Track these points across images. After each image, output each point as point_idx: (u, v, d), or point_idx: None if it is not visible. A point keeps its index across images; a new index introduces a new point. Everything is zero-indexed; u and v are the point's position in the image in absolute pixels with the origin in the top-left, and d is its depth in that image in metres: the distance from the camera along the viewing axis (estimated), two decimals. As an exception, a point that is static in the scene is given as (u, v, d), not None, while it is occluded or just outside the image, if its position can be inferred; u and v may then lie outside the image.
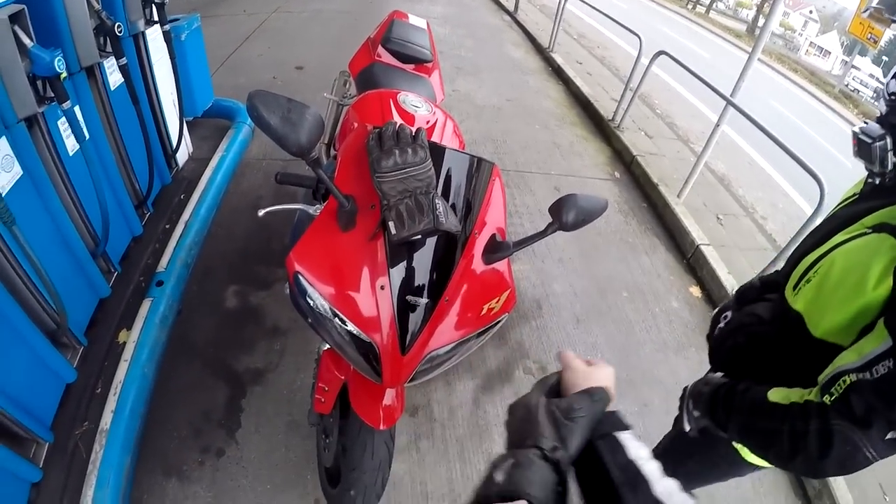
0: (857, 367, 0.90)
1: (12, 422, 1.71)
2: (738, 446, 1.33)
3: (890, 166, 1.04)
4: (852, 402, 0.89)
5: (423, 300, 1.33)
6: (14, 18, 1.66)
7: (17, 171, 1.77)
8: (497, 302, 1.45)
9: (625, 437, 0.63)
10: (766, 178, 6.65)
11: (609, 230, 3.96)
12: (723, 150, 6.24)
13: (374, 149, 1.29)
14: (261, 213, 1.51)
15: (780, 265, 1.51)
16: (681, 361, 2.97)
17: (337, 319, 1.33)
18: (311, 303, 1.35)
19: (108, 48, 2.37)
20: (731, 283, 3.42)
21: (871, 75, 35.82)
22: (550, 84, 6.76)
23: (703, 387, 1.25)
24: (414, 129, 1.32)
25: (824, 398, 0.93)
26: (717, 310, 1.56)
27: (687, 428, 1.31)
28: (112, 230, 2.37)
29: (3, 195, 1.66)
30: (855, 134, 1.08)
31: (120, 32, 2.31)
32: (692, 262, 3.80)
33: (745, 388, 1.11)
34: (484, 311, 1.43)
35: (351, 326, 1.32)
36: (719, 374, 1.28)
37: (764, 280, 1.46)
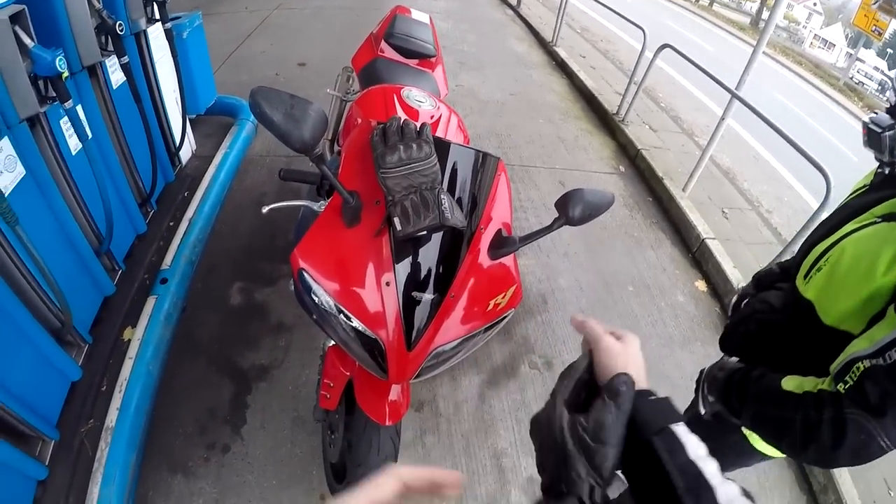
0: (870, 354, 0.89)
1: (18, 420, 1.72)
2: (748, 434, 1.34)
3: None
4: (867, 388, 0.88)
5: (429, 296, 1.32)
6: (15, 19, 1.66)
7: (20, 170, 1.77)
8: (503, 297, 1.44)
9: (682, 433, 0.54)
10: (771, 172, 6.63)
11: (614, 224, 3.95)
12: (728, 144, 6.22)
13: (378, 144, 1.28)
14: (265, 209, 1.51)
15: (786, 258, 1.52)
16: (686, 356, 2.96)
17: (342, 316, 1.33)
18: (316, 299, 1.35)
19: (110, 47, 2.37)
20: (737, 277, 3.40)
21: (876, 68, 35.58)
22: (554, 78, 6.73)
23: (717, 372, 1.25)
24: (418, 125, 1.31)
25: (838, 386, 0.93)
26: (737, 296, 1.57)
27: (702, 411, 1.31)
28: (116, 228, 2.37)
29: (7, 195, 1.66)
30: (865, 124, 1.10)
31: (121, 31, 2.31)
32: (697, 256, 3.79)
33: (760, 375, 1.11)
34: (490, 307, 1.42)
35: (356, 323, 1.32)
36: (734, 359, 1.29)
37: (782, 266, 1.46)
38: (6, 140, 1.69)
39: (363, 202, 1.36)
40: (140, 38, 2.75)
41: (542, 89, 6.26)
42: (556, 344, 2.81)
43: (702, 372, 1.36)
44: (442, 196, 1.26)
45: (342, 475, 1.73)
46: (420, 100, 2.03)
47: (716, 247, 3.68)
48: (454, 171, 1.43)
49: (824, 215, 1.34)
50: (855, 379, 0.90)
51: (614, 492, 0.55)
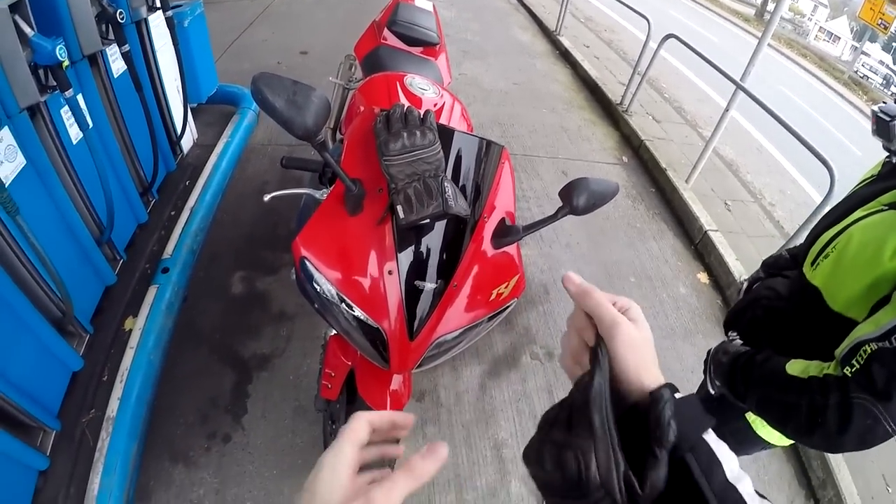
0: (876, 337, 0.91)
1: (19, 410, 1.72)
2: (752, 421, 1.36)
3: None
4: (874, 371, 0.89)
5: (432, 285, 1.31)
6: (14, 8, 1.65)
7: (21, 160, 1.76)
8: (506, 287, 1.43)
9: (716, 445, 0.46)
10: (774, 165, 6.59)
11: (617, 215, 3.94)
12: (731, 136, 6.19)
13: (381, 131, 1.27)
14: (266, 197, 1.49)
15: (794, 246, 1.54)
16: (688, 348, 2.95)
17: (344, 305, 1.32)
18: (318, 288, 1.34)
19: (111, 35, 2.35)
20: (739, 270, 3.39)
21: (881, 62, 35.32)
22: (558, 67, 6.69)
23: (722, 356, 1.26)
24: (422, 112, 1.30)
25: (844, 370, 0.94)
26: (747, 281, 1.59)
27: (711, 391, 1.33)
28: (117, 218, 2.36)
29: (7, 185, 1.65)
30: (874, 112, 1.13)
31: (122, 19, 2.29)
32: (700, 248, 3.78)
33: (764, 359, 1.12)
34: (493, 297, 1.41)
35: (358, 312, 1.31)
36: (739, 341, 1.29)
37: (792, 252, 1.48)
38: (6, 130, 1.67)
39: (366, 190, 1.34)
40: (141, 26, 2.72)
41: (545, 79, 6.22)
42: (557, 335, 2.81)
43: (709, 352, 1.37)
44: (445, 184, 1.25)
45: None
46: (423, 87, 2.01)
47: (718, 239, 3.67)
48: (458, 159, 1.42)
49: (828, 208, 1.35)
50: (862, 362, 0.91)
51: None
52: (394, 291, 1.29)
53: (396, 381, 1.52)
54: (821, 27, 47.10)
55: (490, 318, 1.45)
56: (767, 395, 1.08)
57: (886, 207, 1.05)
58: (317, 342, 2.43)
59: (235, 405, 2.20)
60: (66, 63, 1.84)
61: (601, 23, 9.90)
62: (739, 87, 3.79)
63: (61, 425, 1.94)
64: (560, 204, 1.35)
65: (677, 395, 0.47)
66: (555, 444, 0.44)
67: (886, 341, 0.89)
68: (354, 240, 1.34)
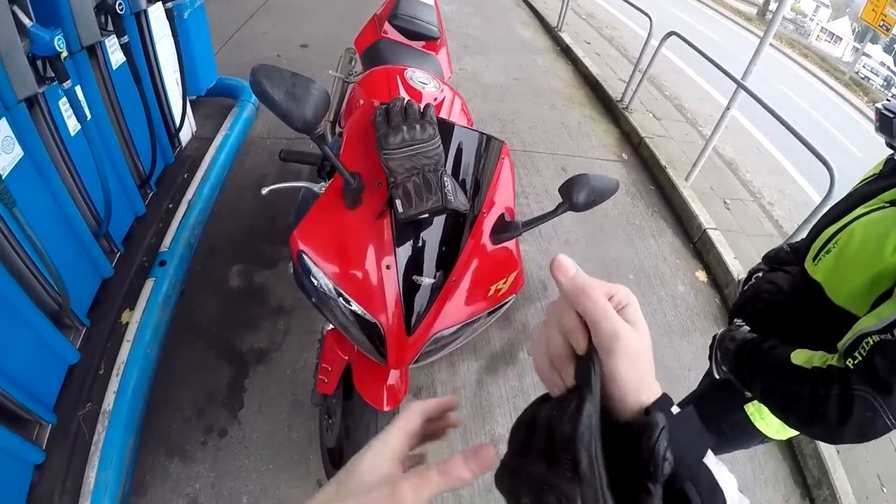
0: (878, 330, 0.92)
1: (15, 404, 1.71)
2: (750, 414, 1.37)
3: None
4: (876, 363, 0.90)
5: (430, 280, 1.31)
6: (12, -2, 1.63)
7: (18, 152, 1.74)
8: (505, 283, 1.43)
9: (718, 471, 0.43)
10: (774, 164, 6.59)
11: (616, 212, 3.93)
12: (731, 135, 6.19)
13: (381, 125, 1.26)
14: (264, 191, 1.49)
15: (796, 240, 1.56)
16: (685, 346, 2.95)
17: (341, 299, 1.31)
18: (315, 282, 1.33)
19: (110, 26, 2.33)
20: (738, 268, 3.39)
21: (882, 63, 35.34)
22: (559, 64, 6.67)
23: (729, 343, 1.27)
24: (422, 105, 1.29)
25: (847, 362, 0.95)
26: (748, 272, 1.60)
27: (717, 376, 1.34)
28: (115, 210, 2.35)
29: (4, 177, 1.64)
30: (878, 109, 1.14)
31: (121, 10, 2.27)
32: (699, 246, 3.77)
33: (771, 347, 1.14)
34: (491, 292, 1.41)
35: (355, 306, 1.30)
36: (746, 328, 1.31)
37: (793, 246, 1.50)
38: (4, 121, 1.66)
39: (365, 184, 1.34)
40: (140, 17, 2.70)
41: (546, 75, 6.21)
42: (555, 332, 2.80)
43: (714, 337, 1.39)
44: (445, 178, 1.24)
45: (339, 460, 1.73)
46: (424, 81, 2.00)
47: (717, 237, 3.67)
48: (457, 154, 1.42)
49: (827, 208, 1.37)
50: (864, 354, 0.92)
51: None
52: (391, 286, 1.28)
53: (393, 377, 1.51)
54: (822, 27, 47.09)
55: (488, 314, 1.45)
56: (772, 383, 1.10)
57: (888, 204, 1.06)
58: (314, 336, 2.42)
59: (232, 399, 2.20)
60: (65, 54, 1.83)
61: (603, 19, 9.87)
62: (741, 85, 3.78)
63: (57, 419, 1.93)
64: (560, 200, 1.34)
65: (674, 410, 0.42)
66: (533, 481, 0.38)
67: (889, 334, 0.90)
68: (353, 234, 1.33)
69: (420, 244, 1.32)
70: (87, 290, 2.29)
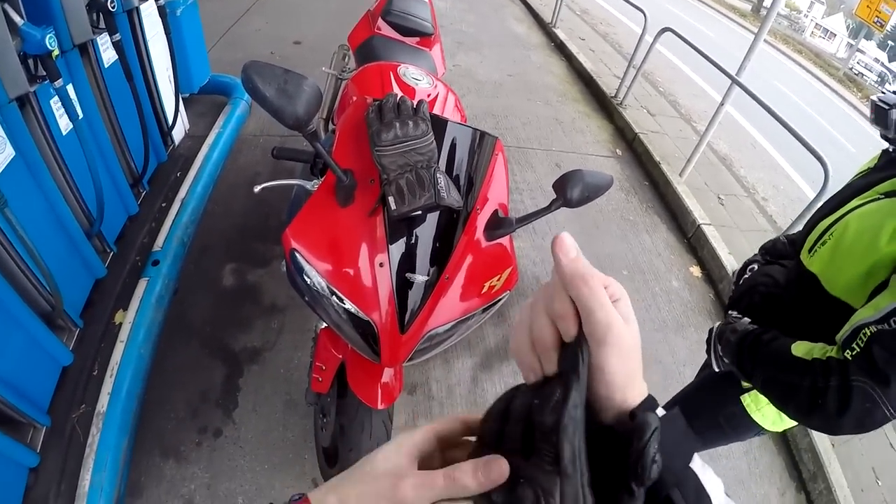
0: (875, 320, 0.93)
1: (9, 407, 1.69)
2: (746, 406, 1.38)
3: None
4: (874, 353, 0.91)
5: (423, 277, 1.30)
6: (3, -4, 1.61)
7: (10, 151, 1.72)
8: (498, 279, 1.42)
9: (704, 474, 0.42)
10: (768, 160, 6.59)
11: (610, 208, 3.93)
12: (725, 130, 6.19)
13: (373, 121, 1.25)
14: (257, 188, 1.48)
15: (793, 232, 1.56)
16: (680, 341, 2.96)
17: (334, 297, 1.31)
18: (308, 280, 1.32)
19: (102, 24, 2.31)
20: (732, 264, 3.40)
21: (877, 59, 35.52)
22: (553, 60, 6.67)
23: (730, 335, 1.27)
24: (415, 102, 1.28)
25: (845, 353, 0.96)
26: (743, 263, 1.61)
27: (717, 369, 1.35)
28: (107, 210, 2.33)
29: (-5, 177, 1.63)
30: (873, 101, 1.16)
31: (113, 8, 2.25)
32: (693, 242, 3.78)
33: (771, 339, 1.14)
34: (485, 289, 1.40)
35: (349, 305, 1.29)
36: (746, 319, 1.32)
37: (790, 238, 1.51)
38: (-5, 121, 1.65)
39: (357, 181, 1.33)
40: (132, 15, 2.67)
41: (540, 71, 6.20)
42: (551, 328, 2.80)
43: (711, 331, 1.40)
44: (438, 175, 1.24)
45: (334, 459, 1.72)
46: (417, 77, 1.99)
47: (711, 233, 3.68)
48: (451, 150, 1.41)
49: (821, 203, 1.37)
50: (862, 345, 0.93)
51: None
52: (385, 284, 1.28)
53: (388, 375, 1.51)
54: (817, 24, 47.22)
55: (482, 311, 1.44)
56: (772, 374, 1.11)
57: (883, 196, 1.08)
58: (308, 335, 2.42)
59: (226, 399, 2.19)
60: (56, 52, 1.81)
61: (597, 15, 9.86)
62: (735, 81, 3.78)
63: (51, 421, 1.91)
64: (553, 196, 1.34)
65: (659, 412, 0.41)
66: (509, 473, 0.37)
67: (886, 324, 0.91)
68: (345, 231, 1.32)
69: (413, 241, 1.32)
70: (79, 290, 2.27)
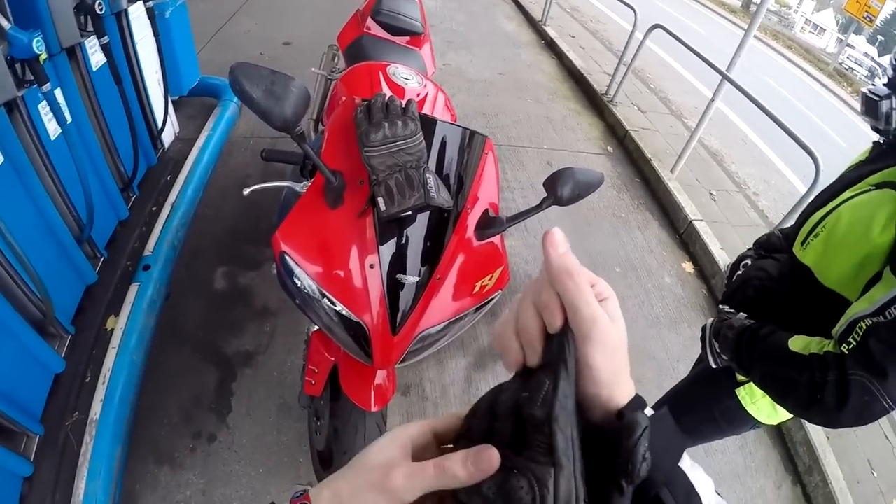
0: (871, 313, 0.93)
1: (2, 416, 1.68)
2: (742, 398, 1.39)
3: (894, 124, 1.11)
4: (871, 346, 0.92)
5: (414, 278, 1.29)
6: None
7: (-2, 157, 1.72)
8: (490, 279, 1.42)
9: (694, 474, 0.42)
10: (759, 155, 6.63)
11: (602, 205, 3.94)
12: (716, 126, 6.21)
13: (362, 121, 1.25)
14: (246, 191, 1.47)
15: (787, 226, 1.57)
16: (673, 337, 2.97)
17: (325, 300, 1.30)
18: (299, 283, 1.32)
19: (90, 27, 2.30)
20: (724, 259, 3.41)
21: (866, 54, 35.75)
22: (543, 58, 6.68)
23: (727, 331, 1.27)
24: (404, 101, 1.28)
25: (842, 347, 0.97)
26: (736, 258, 1.61)
27: (714, 366, 1.35)
28: (97, 215, 2.31)
29: (-17, 183, 1.61)
30: (864, 93, 1.16)
31: (101, 11, 2.24)
32: (685, 238, 3.79)
33: (768, 334, 1.15)
34: (477, 289, 1.40)
35: (340, 307, 1.29)
36: (742, 314, 1.32)
37: (784, 232, 1.51)
38: (-18, 127, 1.63)
39: (346, 182, 1.32)
40: (121, 17, 2.66)
41: (530, 69, 6.21)
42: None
43: (704, 328, 1.40)
44: (427, 175, 1.23)
45: (329, 462, 1.71)
46: (406, 77, 1.99)
47: (703, 228, 3.69)
48: (441, 150, 1.40)
49: (811, 198, 1.38)
50: (858, 339, 0.94)
51: None
52: (375, 285, 1.27)
53: (380, 376, 1.50)
54: (807, 19, 47.49)
55: (475, 311, 1.44)
56: (770, 370, 1.11)
57: (874, 187, 1.08)
58: (300, 338, 2.40)
59: (220, 404, 2.18)
60: (44, 56, 1.80)
61: (587, 13, 9.88)
62: (725, 77, 3.79)
63: (44, 430, 1.90)
64: (545, 194, 1.34)
65: (647, 412, 0.41)
66: (499, 469, 0.36)
67: (881, 316, 0.91)
68: (335, 233, 1.32)
69: (404, 242, 1.31)
70: (70, 296, 2.25)
